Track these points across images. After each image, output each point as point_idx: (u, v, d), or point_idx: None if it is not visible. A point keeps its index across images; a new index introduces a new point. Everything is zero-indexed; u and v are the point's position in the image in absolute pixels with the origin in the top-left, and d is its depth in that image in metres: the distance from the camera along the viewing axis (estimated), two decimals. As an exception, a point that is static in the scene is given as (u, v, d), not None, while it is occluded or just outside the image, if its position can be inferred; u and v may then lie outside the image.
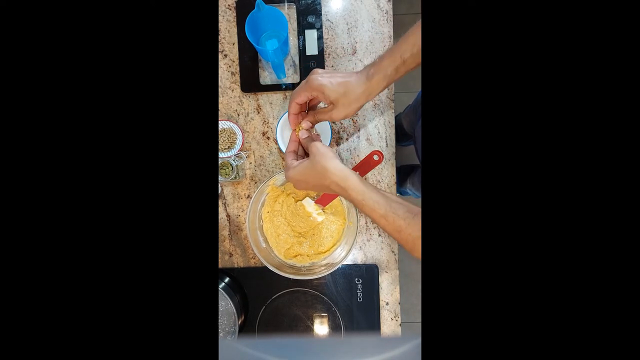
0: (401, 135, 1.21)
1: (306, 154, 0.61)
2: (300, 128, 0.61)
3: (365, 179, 0.74)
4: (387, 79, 0.55)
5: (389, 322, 0.74)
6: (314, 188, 0.58)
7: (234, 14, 0.75)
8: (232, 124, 0.73)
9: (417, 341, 0.28)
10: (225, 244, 0.76)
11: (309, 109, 0.63)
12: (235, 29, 0.75)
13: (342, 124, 0.75)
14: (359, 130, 0.75)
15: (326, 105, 0.59)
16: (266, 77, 0.75)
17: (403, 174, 1.36)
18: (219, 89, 0.75)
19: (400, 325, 0.75)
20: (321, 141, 0.62)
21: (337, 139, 0.76)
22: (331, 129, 0.71)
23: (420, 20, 0.52)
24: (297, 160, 0.59)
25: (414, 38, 0.51)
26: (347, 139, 0.75)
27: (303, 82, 0.57)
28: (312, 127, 0.62)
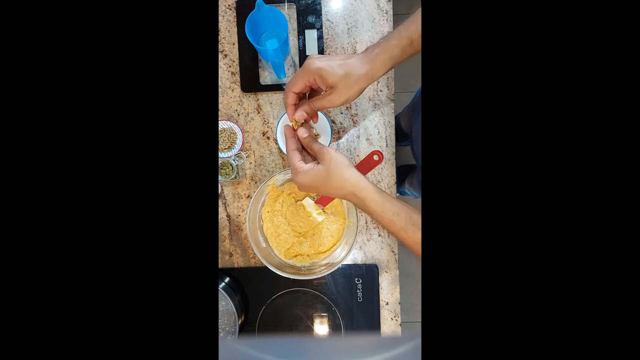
0: (400, 136, 1.21)
1: (309, 155, 0.59)
2: (299, 125, 0.56)
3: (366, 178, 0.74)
4: (393, 60, 0.51)
5: (389, 322, 0.74)
6: (324, 194, 0.55)
7: (234, 14, 0.75)
8: (232, 124, 0.73)
9: (417, 341, 0.28)
10: (225, 244, 0.76)
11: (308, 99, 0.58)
12: (235, 29, 0.75)
13: (342, 123, 0.75)
14: (359, 130, 0.75)
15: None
16: (266, 77, 0.75)
17: (401, 174, 1.36)
18: (219, 89, 0.75)
19: (400, 325, 0.75)
20: (320, 140, 0.60)
21: (337, 139, 0.76)
22: (331, 129, 0.71)
23: None
24: (305, 162, 0.55)
25: (420, 18, 0.48)
26: (347, 139, 0.75)
27: (299, 69, 0.54)
28: (309, 118, 0.57)
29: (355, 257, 0.75)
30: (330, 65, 0.51)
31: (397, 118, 1.20)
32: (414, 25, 0.49)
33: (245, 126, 0.75)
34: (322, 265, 0.70)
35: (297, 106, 0.56)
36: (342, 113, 0.75)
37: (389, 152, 0.75)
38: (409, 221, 0.49)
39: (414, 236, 0.48)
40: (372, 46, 0.52)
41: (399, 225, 0.49)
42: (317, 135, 0.73)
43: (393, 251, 0.75)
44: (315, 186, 0.54)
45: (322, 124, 0.72)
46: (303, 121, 0.57)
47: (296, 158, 0.55)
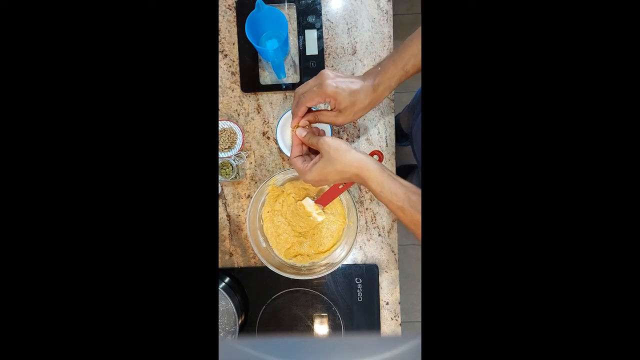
0: (400, 136, 1.21)
1: (312, 152, 0.61)
2: (298, 126, 0.60)
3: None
4: (390, 89, 0.57)
5: (389, 322, 0.74)
6: (335, 182, 0.59)
7: (234, 14, 0.75)
8: (232, 123, 0.73)
9: (417, 341, 0.28)
10: (225, 244, 0.76)
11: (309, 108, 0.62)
12: (235, 29, 0.75)
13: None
14: (359, 130, 0.75)
15: (328, 106, 0.59)
16: (266, 77, 0.75)
17: (401, 174, 1.36)
18: (219, 89, 0.75)
19: (400, 325, 0.75)
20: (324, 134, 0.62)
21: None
22: (331, 128, 0.71)
23: (419, 28, 0.54)
24: (307, 162, 0.59)
25: (415, 48, 0.54)
26: (347, 139, 0.75)
27: (313, 84, 0.57)
28: (310, 125, 0.61)
29: (355, 257, 0.75)
30: (344, 90, 0.56)
31: (397, 118, 1.20)
32: (406, 54, 0.54)
33: (245, 126, 0.75)
34: (322, 265, 0.70)
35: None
36: (342, 113, 0.75)
37: (389, 152, 0.75)
38: (406, 202, 0.52)
39: (411, 216, 0.52)
40: (373, 74, 0.57)
41: (397, 205, 0.53)
42: (321, 130, 0.73)
43: (393, 251, 0.75)
44: (324, 179, 0.57)
45: (322, 124, 0.72)
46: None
47: (299, 162, 0.59)
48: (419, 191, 0.52)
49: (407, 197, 0.52)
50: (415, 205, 0.51)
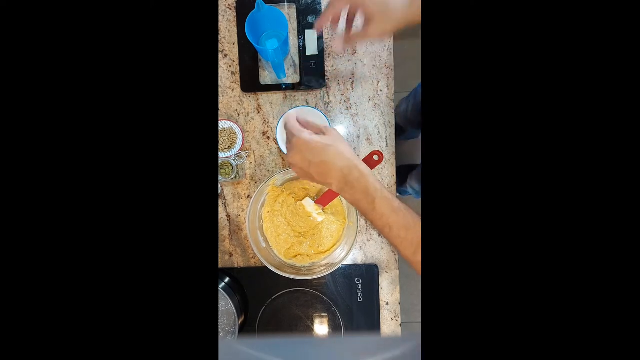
0: (397, 130, 1.21)
1: None
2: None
3: None
4: None
5: (389, 322, 0.74)
6: (315, 166, 0.52)
7: (234, 14, 0.75)
8: (232, 123, 0.73)
9: (417, 341, 0.28)
10: (225, 244, 0.76)
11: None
12: (235, 29, 0.75)
13: (342, 123, 0.75)
14: (359, 130, 0.75)
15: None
16: (266, 77, 0.75)
17: (401, 174, 1.36)
18: (219, 89, 0.75)
19: (400, 325, 0.75)
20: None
21: (337, 139, 0.75)
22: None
23: None
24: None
25: None
26: (347, 139, 0.75)
27: None
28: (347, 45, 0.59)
29: (355, 257, 0.75)
30: None
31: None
32: None
33: (245, 126, 0.75)
34: (322, 265, 0.70)
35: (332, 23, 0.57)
36: (342, 113, 0.75)
37: (389, 152, 0.75)
38: (401, 205, 0.50)
39: (405, 218, 0.50)
40: None
41: (393, 205, 0.50)
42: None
43: (393, 251, 0.75)
44: (313, 147, 0.51)
45: (320, 121, 0.72)
46: None
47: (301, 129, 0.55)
48: (403, 204, 0.51)
49: (400, 201, 0.51)
50: (407, 209, 0.50)
